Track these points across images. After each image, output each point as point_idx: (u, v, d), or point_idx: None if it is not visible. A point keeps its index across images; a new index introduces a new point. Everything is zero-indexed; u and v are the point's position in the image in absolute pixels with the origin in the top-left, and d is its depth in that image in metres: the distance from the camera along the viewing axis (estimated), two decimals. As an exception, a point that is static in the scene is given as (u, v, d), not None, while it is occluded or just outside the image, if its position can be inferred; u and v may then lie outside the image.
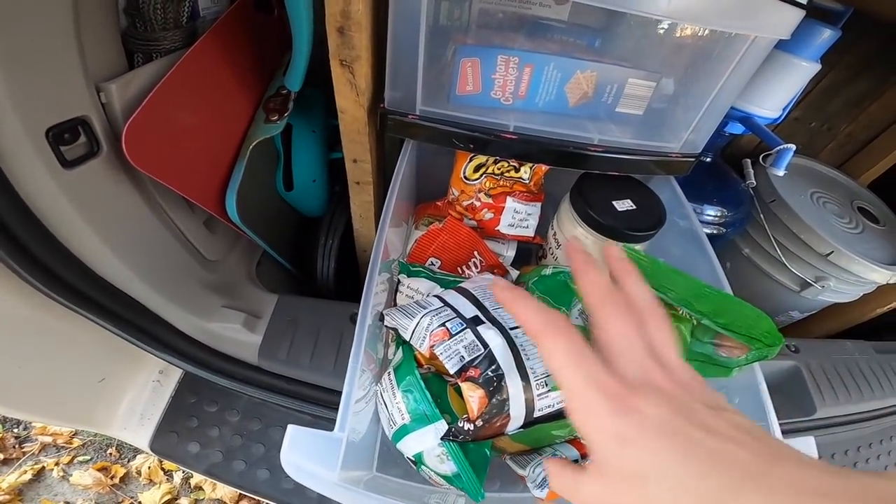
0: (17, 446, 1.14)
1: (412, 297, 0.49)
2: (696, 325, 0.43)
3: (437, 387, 0.41)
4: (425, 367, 0.46)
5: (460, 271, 0.56)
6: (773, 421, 0.41)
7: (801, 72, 0.67)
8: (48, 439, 1.14)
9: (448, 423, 0.38)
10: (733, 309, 0.41)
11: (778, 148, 0.68)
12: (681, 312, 0.43)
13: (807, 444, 0.40)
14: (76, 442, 1.15)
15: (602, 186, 0.55)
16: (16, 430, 1.16)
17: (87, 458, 1.14)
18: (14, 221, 0.42)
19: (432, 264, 0.55)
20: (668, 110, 0.55)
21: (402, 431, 0.39)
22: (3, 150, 0.39)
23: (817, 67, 0.67)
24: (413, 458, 0.40)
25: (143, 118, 0.45)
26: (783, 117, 0.74)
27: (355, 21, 0.42)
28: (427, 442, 0.38)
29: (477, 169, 0.58)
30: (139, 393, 0.69)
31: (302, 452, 0.35)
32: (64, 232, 0.46)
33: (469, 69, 0.50)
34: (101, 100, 0.45)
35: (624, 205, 0.54)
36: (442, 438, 0.38)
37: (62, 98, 0.42)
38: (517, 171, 0.58)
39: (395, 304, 0.50)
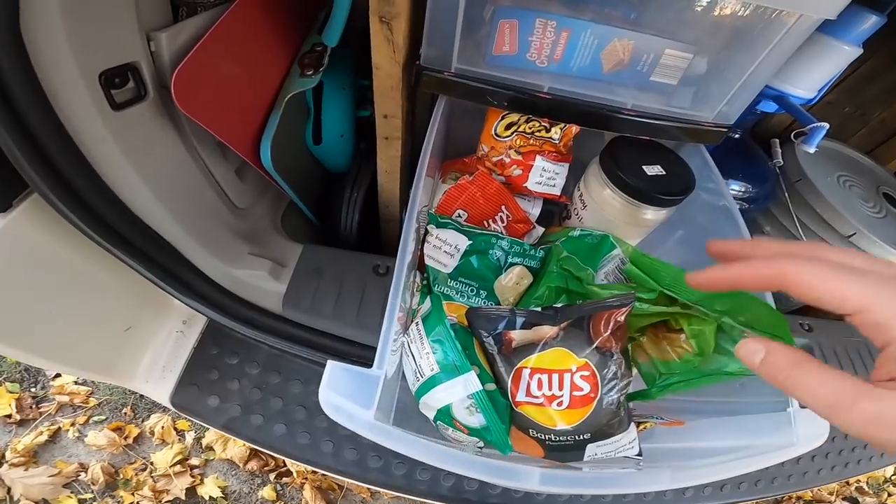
0: (34, 406, 1.17)
1: (440, 248, 0.52)
2: (721, 325, 0.44)
3: (464, 339, 0.43)
4: (451, 317, 0.49)
5: (486, 224, 0.59)
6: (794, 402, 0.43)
7: (841, 55, 0.68)
8: (65, 399, 1.18)
9: (478, 372, 0.39)
10: (752, 306, 0.41)
11: (811, 125, 0.69)
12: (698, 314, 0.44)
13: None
14: (92, 401, 1.19)
15: (632, 151, 0.57)
16: (33, 390, 1.19)
17: (103, 417, 1.18)
18: (61, 160, 0.45)
19: (459, 216, 0.58)
20: (703, 81, 0.56)
21: (431, 383, 0.40)
22: (58, 90, 0.41)
23: (858, 52, 0.67)
24: (438, 411, 0.41)
25: (191, 65, 0.48)
26: (817, 99, 0.75)
27: (397, -22, 0.44)
28: (457, 393, 0.39)
29: (508, 127, 0.60)
30: (162, 344, 0.71)
31: (339, 390, 0.36)
32: (107, 170, 0.49)
33: (507, 30, 0.52)
34: (151, 48, 0.48)
35: (654, 169, 0.56)
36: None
37: (116, 44, 0.45)
38: (548, 131, 0.60)
39: (423, 254, 0.52)
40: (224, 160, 0.62)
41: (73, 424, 1.15)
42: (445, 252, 0.53)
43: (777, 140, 0.90)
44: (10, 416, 1.13)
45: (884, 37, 0.70)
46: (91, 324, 0.62)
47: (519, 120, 0.60)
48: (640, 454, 0.43)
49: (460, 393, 0.39)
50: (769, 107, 0.76)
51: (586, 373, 0.40)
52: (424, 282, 0.53)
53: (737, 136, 0.84)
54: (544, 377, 0.40)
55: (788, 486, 0.81)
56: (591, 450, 0.41)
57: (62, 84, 0.41)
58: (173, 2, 0.52)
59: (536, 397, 0.40)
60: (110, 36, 0.43)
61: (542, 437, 0.41)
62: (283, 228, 0.73)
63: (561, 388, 0.40)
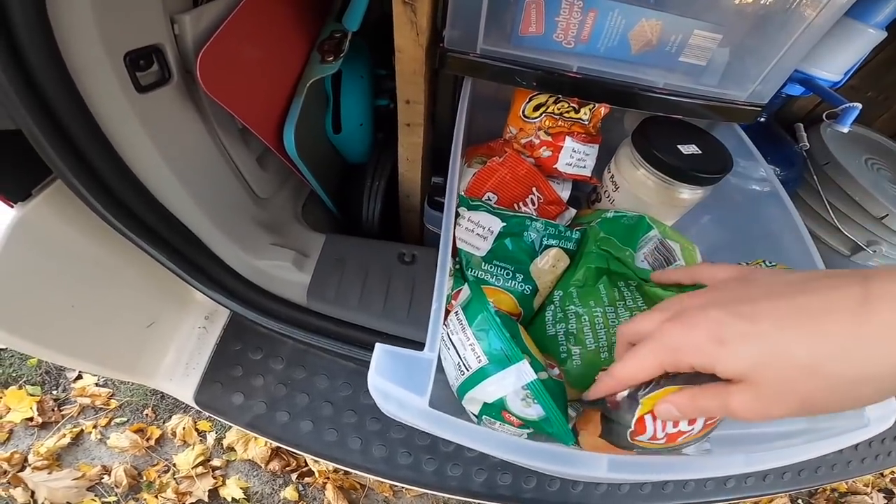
0: (55, 409, 1.15)
1: (472, 231, 0.50)
2: None
3: (510, 325, 0.40)
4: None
5: (517, 207, 0.57)
6: None
7: (866, 39, 0.66)
8: (87, 401, 1.16)
9: (530, 362, 0.36)
10: None
11: (843, 106, 0.67)
12: None
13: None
14: (113, 403, 1.17)
15: (666, 131, 0.56)
16: (55, 393, 1.18)
17: (124, 419, 1.16)
18: (84, 142, 0.43)
19: (489, 199, 0.56)
20: (735, 62, 0.54)
21: (480, 376, 0.37)
22: (83, 71, 0.40)
23: (882, 35, 0.66)
24: (485, 405, 0.37)
25: (216, 48, 0.47)
26: (844, 82, 0.74)
27: (420, -41, 0.43)
28: (509, 385, 0.36)
29: (537, 108, 0.58)
30: (185, 341, 0.69)
31: (388, 376, 0.33)
32: (131, 154, 0.47)
33: (533, 10, 0.51)
34: (175, 31, 0.47)
35: (689, 149, 0.54)
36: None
37: (141, 25, 0.43)
38: (577, 111, 0.58)
39: (455, 238, 0.50)
40: (246, 148, 0.61)
41: (95, 427, 1.14)
42: (479, 235, 0.51)
43: (801, 124, 0.87)
44: (31, 419, 1.12)
45: None
46: (113, 319, 0.60)
47: (547, 101, 0.58)
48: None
49: (514, 384, 0.36)
50: (795, 90, 0.75)
51: None
52: (457, 266, 0.51)
53: (762, 119, 0.82)
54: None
55: (831, 475, 0.78)
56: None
57: (87, 63, 0.40)
58: None
59: (659, 439, 0.34)
60: (136, 16, 0.42)
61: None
62: (306, 218, 0.72)
63: (692, 423, 0.34)
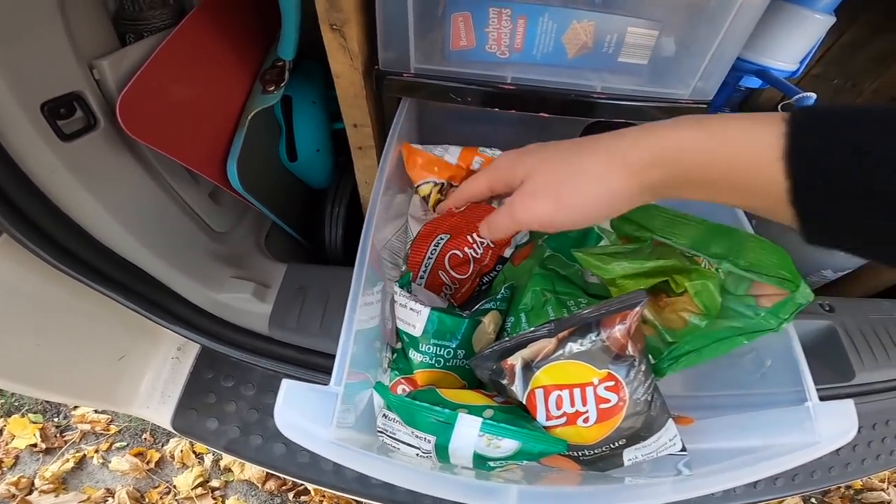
0: (58, 435, 1.16)
1: (406, 307, 0.45)
2: (723, 279, 0.39)
3: (427, 396, 0.39)
4: (401, 390, 0.44)
5: (471, 241, 0.53)
6: (809, 386, 0.37)
7: (813, 24, 0.63)
8: (87, 427, 1.17)
9: (467, 412, 0.35)
10: (753, 247, 0.37)
11: (797, 96, 0.64)
12: (701, 264, 0.39)
13: (845, 408, 0.35)
14: (113, 429, 1.17)
15: (608, 135, 0.52)
16: (56, 420, 1.18)
17: (124, 443, 1.16)
18: (19, 196, 0.42)
19: (441, 239, 0.52)
20: (674, 58, 0.51)
21: (442, 452, 0.36)
22: (1, 125, 0.39)
23: (831, 20, 0.62)
24: (475, 460, 0.36)
25: (136, 90, 0.45)
26: (801, 70, 0.70)
27: (341, -16, 0.40)
28: (470, 440, 0.34)
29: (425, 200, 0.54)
30: (159, 370, 0.69)
31: (298, 408, 0.33)
32: (67, 203, 0.46)
33: (461, 23, 0.48)
34: (95, 76, 0.45)
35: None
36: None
37: (54, 75, 0.42)
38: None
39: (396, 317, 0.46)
40: (195, 185, 0.59)
41: (96, 451, 1.14)
42: (412, 310, 0.44)
43: (768, 117, 0.83)
44: (35, 446, 1.13)
45: (858, 5, 0.66)
46: (82, 355, 0.60)
47: (431, 190, 0.53)
48: (683, 450, 0.39)
49: (471, 438, 0.34)
50: (753, 82, 0.71)
51: (611, 383, 0.35)
52: (399, 346, 0.47)
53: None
54: (563, 394, 0.36)
55: (830, 478, 0.72)
56: (630, 454, 0.37)
57: (4, 118, 0.38)
58: (121, 29, 0.50)
59: (558, 417, 0.36)
60: (45, 67, 0.40)
61: (576, 454, 0.37)
62: (268, 249, 0.70)
63: (584, 403, 0.36)
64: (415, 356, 0.45)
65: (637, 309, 0.35)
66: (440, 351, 0.45)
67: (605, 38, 0.48)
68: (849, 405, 0.36)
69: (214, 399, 0.67)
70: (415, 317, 0.44)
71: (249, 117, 0.56)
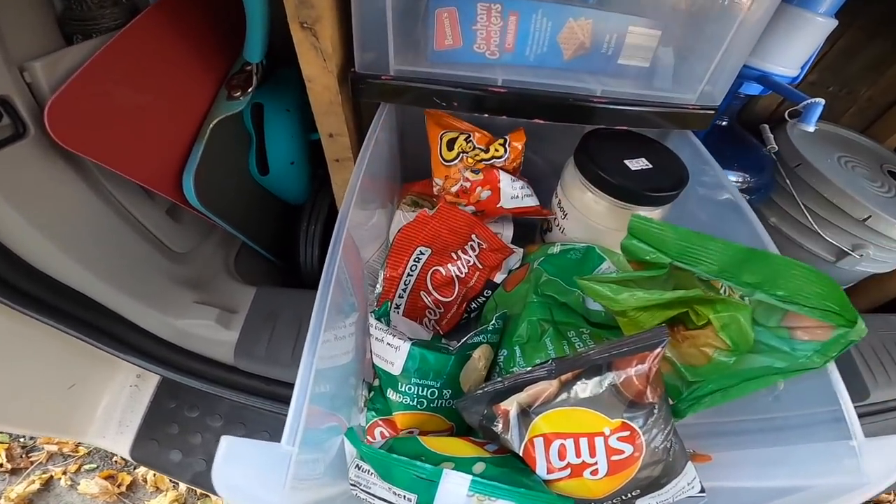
0: (23, 456, 1.08)
1: (382, 341, 0.39)
2: (754, 309, 0.33)
3: (408, 446, 0.33)
4: (379, 433, 0.39)
5: (455, 257, 0.47)
6: (852, 419, 0.31)
7: (816, 28, 0.59)
8: (54, 448, 1.09)
9: (453, 467, 0.30)
10: (792, 274, 0.31)
11: (805, 102, 0.59)
12: (724, 292, 0.33)
13: (892, 445, 0.30)
14: (82, 450, 1.09)
15: (611, 145, 0.47)
16: (22, 440, 1.11)
17: (94, 465, 1.08)
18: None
19: (421, 254, 0.47)
20: (680, 61, 0.46)
21: None
22: None
23: (833, 23, 0.59)
24: None
25: (70, 94, 0.39)
26: (802, 76, 0.66)
27: (311, -23, 0.35)
28: (456, 497, 0.29)
29: (451, 146, 0.49)
30: (115, 399, 0.63)
31: (244, 465, 0.26)
32: (-6, 224, 0.39)
33: (446, 20, 0.42)
34: (26, 79, 0.39)
35: (638, 164, 0.45)
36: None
37: None
38: (486, 152, 0.49)
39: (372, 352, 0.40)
40: (149, 200, 0.52)
41: (64, 473, 1.06)
42: (390, 346, 0.39)
43: (766, 126, 0.79)
44: (0, 465, 1.05)
45: (852, 11, 0.63)
46: (27, 384, 0.54)
47: (458, 137, 0.49)
48: (702, 491, 0.34)
49: (458, 494, 0.29)
50: (753, 89, 0.67)
51: (625, 433, 0.30)
52: (376, 384, 0.41)
53: (724, 123, 0.73)
54: (567, 443, 0.31)
55: None
56: (644, 503, 0.32)
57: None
58: (68, 30, 0.44)
59: (561, 469, 0.31)
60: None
61: None
62: (238, 271, 0.64)
63: (593, 454, 0.31)
64: (394, 396, 0.39)
65: (658, 350, 0.30)
66: (423, 391, 0.39)
67: (603, 38, 0.44)
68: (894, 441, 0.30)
69: (178, 430, 0.62)
70: (392, 353, 0.39)
71: (211, 126, 0.49)
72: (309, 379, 0.29)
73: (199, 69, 0.52)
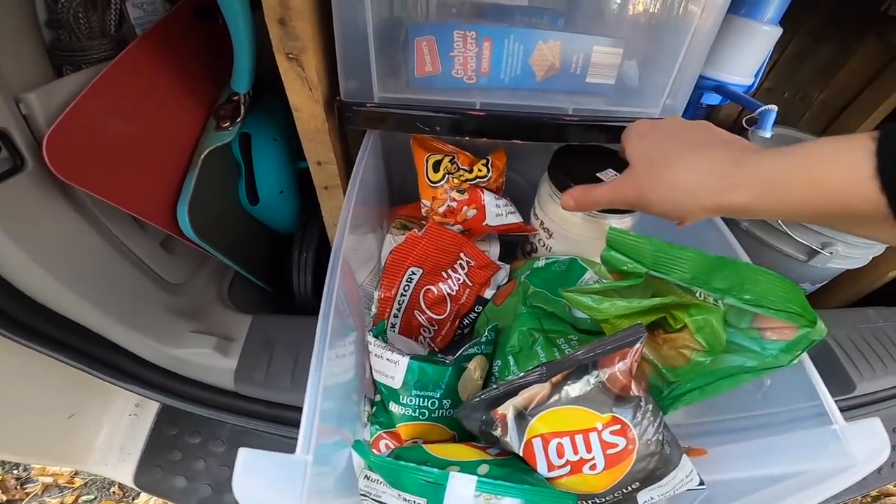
0: (18, 487, 1.05)
1: (381, 357, 0.40)
2: (726, 312, 0.35)
3: (413, 454, 0.34)
4: (384, 446, 0.40)
5: (445, 276, 0.48)
6: (830, 405, 0.33)
7: (763, 36, 0.62)
8: (49, 479, 1.05)
9: (459, 470, 0.31)
10: (758, 279, 0.32)
11: (760, 109, 0.62)
12: (700, 297, 0.35)
13: (872, 427, 0.31)
14: (77, 481, 1.06)
15: (582, 159, 0.48)
16: (16, 472, 1.07)
17: (91, 497, 1.04)
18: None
19: (413, 274, 0.47)
20: (642, 76, 0.49)
21: None
22: None
23: (778, 31, 0.62)
24: None
25: (67, 126, 0.38)
26: (756, 84, 0.69)
27: (296, 10, 0.37)
28: (464, 498, 0.30)
29: (436, 167, 0.50)
30: (116, 427, 0.62)
31: (262, 477, 0.26)
32: (-6, 256, 0.39)
33: (425, 48, 0.44)
34: (22, 111, 0.39)
35: (608, 174, 0.46)
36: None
37: None
38: (470, 172, 0.51)
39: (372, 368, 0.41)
40: (143, 232, 0.52)
41: (61, 504, 1.02)
42: (389, 361, 0.40)
43: (730, 134, 0.82)
44: (-4, 497, 1.02)
45: (797, 17, 0.66)
46: (26, 413, 0.53)
47: (443, 159, 0.50)
48: (702, 484, 0.35)
49: (466, 495, 0.30)
50: (713, 99, 0.70)
51: (616, 427, 0.32)
52: (377, 399, 0.42)
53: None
54: (564, 441, 0.32)
55: (849, 491, 0.67)
56: (645, 496, 0.33)
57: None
58: (57, 61, 0.43)
59: (561, 466, 0.32)
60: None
61: (587, 503, 0.33)
62: (232, 300, 0.63)
63: (589, 449, 0.32)
64: (396, 409, 0.40)
65: (638, 346, 0.31)
66: (424, 402, 0.40)
67: (571, 59, 0.46)
68: (875, 423, 0.32)
69: (180, 456, 0.61)
70: (392, 368, 0.40)
71: (202, 156, 0.50)
72: (318, 390, 0.29)
73: (189, 99, 0.52)
